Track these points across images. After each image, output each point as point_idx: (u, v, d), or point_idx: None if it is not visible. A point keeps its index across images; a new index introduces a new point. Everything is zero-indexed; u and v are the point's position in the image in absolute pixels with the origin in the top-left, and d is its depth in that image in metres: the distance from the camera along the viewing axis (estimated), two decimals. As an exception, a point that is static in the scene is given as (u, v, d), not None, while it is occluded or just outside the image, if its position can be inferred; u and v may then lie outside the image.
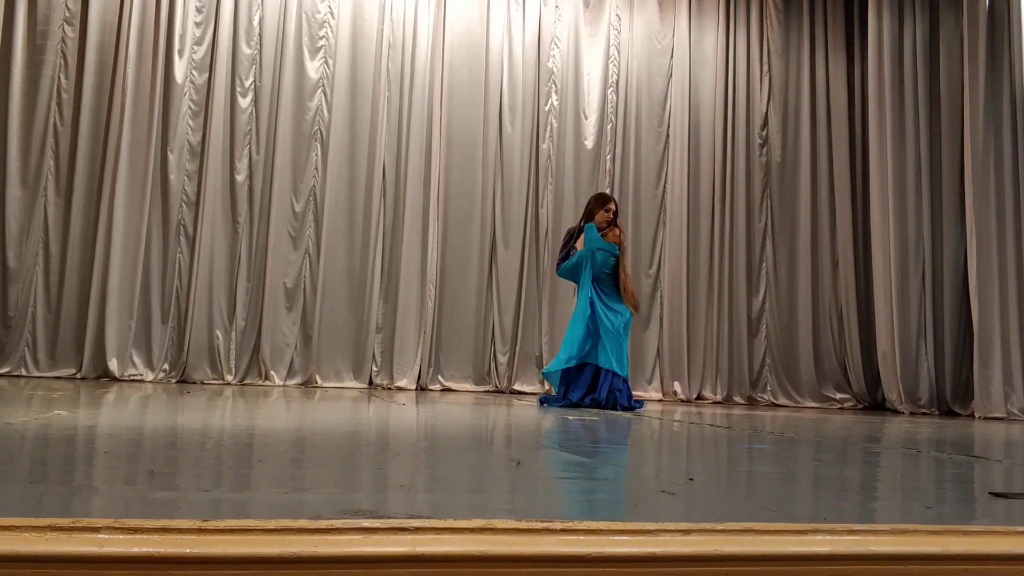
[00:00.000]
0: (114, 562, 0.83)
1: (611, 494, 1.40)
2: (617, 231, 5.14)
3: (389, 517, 0.97)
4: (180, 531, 0.87)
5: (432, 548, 0.93)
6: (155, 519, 0.88)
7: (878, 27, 6.75)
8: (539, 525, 0.98)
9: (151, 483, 1.27)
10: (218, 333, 5.98)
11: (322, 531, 0.91)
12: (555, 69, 6.84)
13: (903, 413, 6.16)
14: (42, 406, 3.02)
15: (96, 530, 0.85)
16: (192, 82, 6.12)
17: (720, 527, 1.03)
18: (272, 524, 0.90)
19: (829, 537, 1.05)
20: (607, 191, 6.80)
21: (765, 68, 7.22)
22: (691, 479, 1.62)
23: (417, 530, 0.94)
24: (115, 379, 5.66)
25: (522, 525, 0.98)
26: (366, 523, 0.93)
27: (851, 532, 1.06)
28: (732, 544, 1.01)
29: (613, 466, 1.92)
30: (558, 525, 0.99)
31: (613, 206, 5.18)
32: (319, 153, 6.32)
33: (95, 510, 1.05)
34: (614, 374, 4.83)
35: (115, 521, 0.86)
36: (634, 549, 0.98)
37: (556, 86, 6.83)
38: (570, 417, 3.83)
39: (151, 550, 0.84)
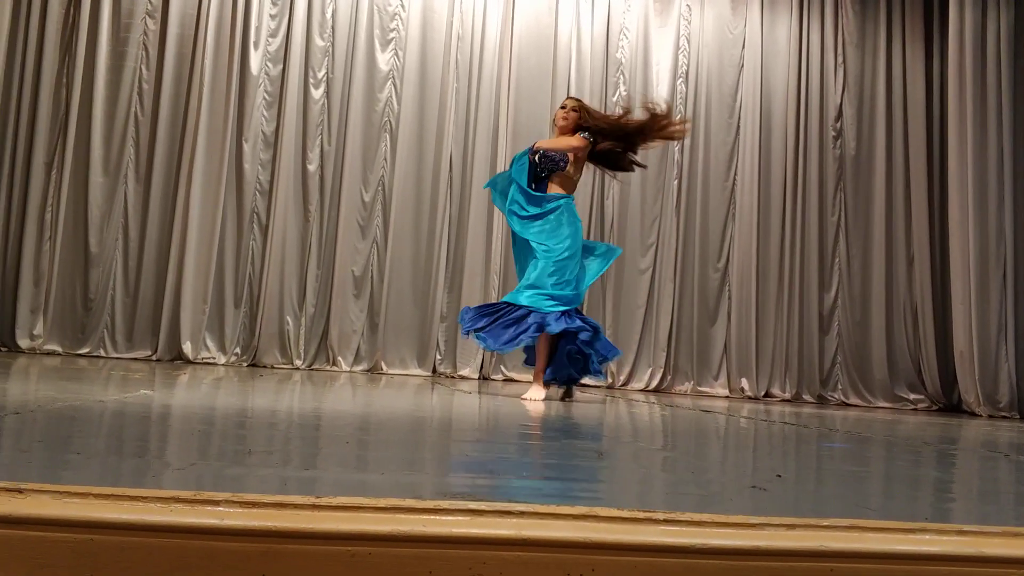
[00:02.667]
0: (234, 534, 0.86)
1: (701, 488, 1.39)
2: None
3: (494, 500, 0.98)
4: (295, 507, 0.89)
5: (536, 532, 0.93)
6: (271, 495, 0.90)
7: (959, 17, 6.53)
8: (642, 515, 0.98)
9: (252, 461, 1.31)
10: (288, 319, 6.10)
11: (430, 511, 0.93)
12: (623, 60, 6.79)
13: (981, 416, 5.97)
14: (127, 386, 3.12)
15: (216, 503, 0.87)
16: (267, 73, 6.23)
17: (825, 523, 1.02)
18: (382, 503, 0.92)
19: (937, 537, 1.03)
20: (675, 182, 6.71)
21: (840, 59, 7.05)
22: (779, 476, 1.60)
23: (522, 514, 0.95)
24: (189, 361, 5.81)
25: (624, 514, 0.98)
26: (472, 505, 0.94)
27: (960, 533, 1.03)
28: (838, 540, 1.00)
29: (695, 460, 1.90)
30: (660, 516, 0.99)
31: (567, 102, 4.53)
32: (388, 144, 6.38)
33: (204, 485, 1.08)
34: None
35: (234, 495, 0.89)
36: (738, 542, 0.97)
37: (624, 77, 6.78)
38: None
39: (269, 524, 0.86)
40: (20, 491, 0.87)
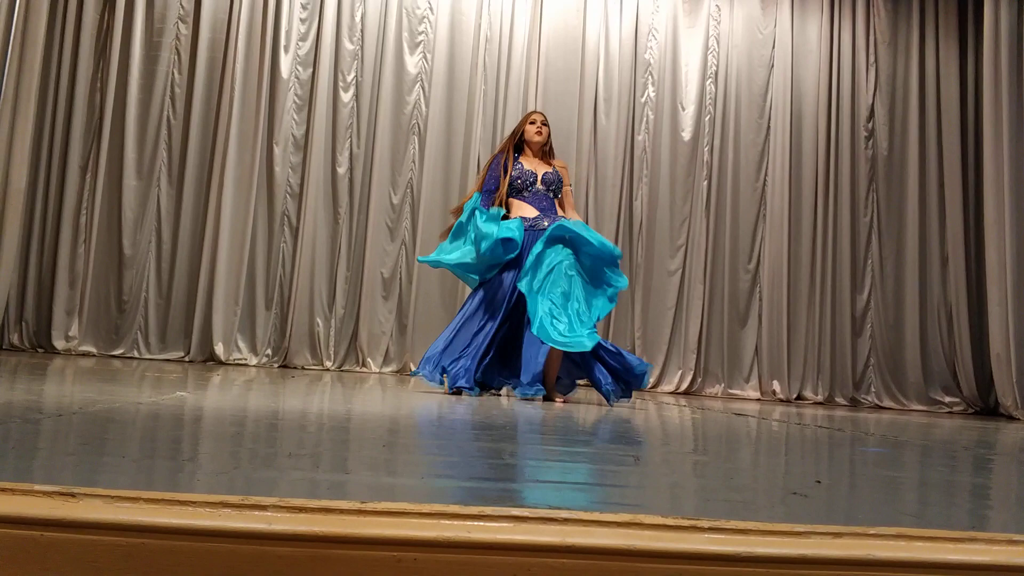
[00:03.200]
0: (281, 539, 0.86)
1: (740, 494, 1.38)
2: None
3: (537, 506, 0.98)
4: (341, 512, 0.89)
5: (581, 539, 0.93)
6: (317, 499, 0.91)
7: (994, 15, 6.43)
8: (686, 522, 0.98)
9: (295, 464, 1.32)
10: (318, 320, 6.14)
11: (474, 517, 0.93)
12: (652, 60, 6.77)
13: (1018, 419, 5.88)
14: (163, 387, 3.15)
15: (264, 508, 0.88)
16: (297, 77, 6.29)
17: (872, 531, 1.00)
18: (427, 508, 0.92)
19: (987, 546, 1.01)
20: (705, 183, 6.67)
21: (871, 59, 6.98)
22: (818, 481, 1.58)
23: (566, 521, 0.94)
24: (220, 363, 5.87)
25: (669, 521, 0.97)
26: (516, 511, 0.94)
27: (1011, 543, 1.02)
28: (885, 549, 0.98)
29: (731, 465, 1.89)
30: (705, 523, 0.98)
31: (540, 116, 4.56)
32: (416, 146, 6.41)
33: (250, 489, 1.09)
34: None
35: (281, 500, 0.90)
36: (784, 551, 0.96)
37: (653, 77, 6.76)
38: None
39: (316, 529, 0.87)
40: (73, 495, 0.88)
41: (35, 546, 0.86)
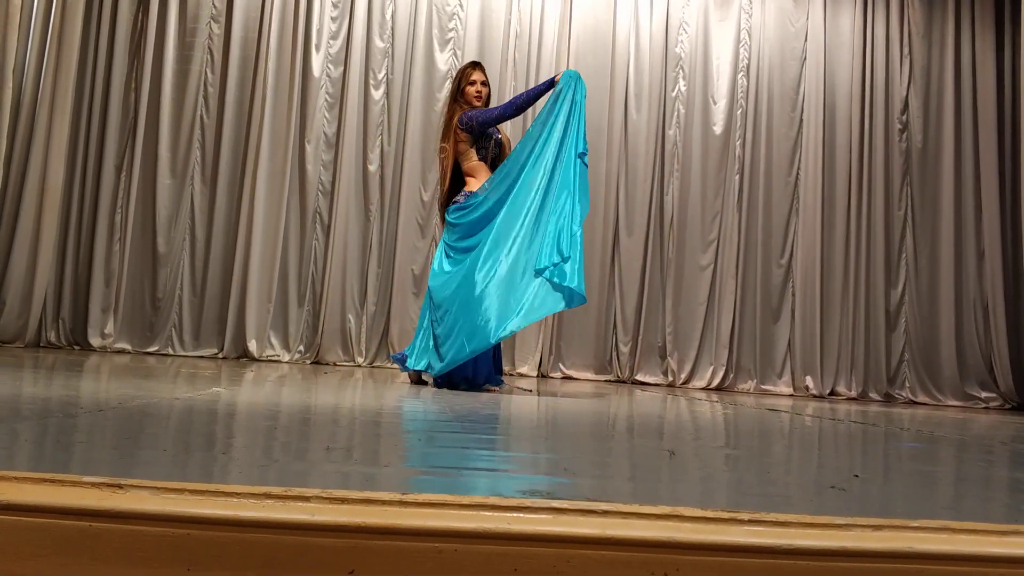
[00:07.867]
0: (324, 530, 0.87)
1: (777, 488, 1.37)
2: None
3: (577, 499, 0.98)
4: (383, 503, 0.90)
5: (620, 531, 0.93)
6: (359, 491, 0.92)
7: (1033, 4, 6.32)
8: (726, 515, 0.97)
9: (332, 457, 1.33)
10: (350, 317, 6.18)
11: (514, 508, 0.93)
12: (683, 54, 6.72)
13: (1057, 415, 5.79)
14: (199, 383, 3.19)
15: (307, 499, 0.89)
16: (328, 75, 6.32)
17: (914, 524, 1.00)
18: (468, 500, 0.93)
19: (1032, 540, 1.00)
20: (737, 177, 6.62)
21: (906, 50, 6.88)
22: (856, 476, 1.57)
23: (606, 513, 0.95)
24: (253, 359, 5.93)
25: (708, 514, 0.97)
26: (556, 503, 0.95)
27: (1057, 536, 1.00)
28: (927, 542, 0.98)
29: (767, 460, 1.88)
30: (745, 516, 0.98)
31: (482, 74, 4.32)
32: (447, 143, 6.41)
33: (286, 482, 1.10)
34: None
35: (323, 491, 0.91)
36: (824, 543, 0.96)
37: (684, 72, 6.71)
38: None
39: (358, 520, 0.88)
40: (120, 486, 0.90)
41: (83, 536, 0.88)
